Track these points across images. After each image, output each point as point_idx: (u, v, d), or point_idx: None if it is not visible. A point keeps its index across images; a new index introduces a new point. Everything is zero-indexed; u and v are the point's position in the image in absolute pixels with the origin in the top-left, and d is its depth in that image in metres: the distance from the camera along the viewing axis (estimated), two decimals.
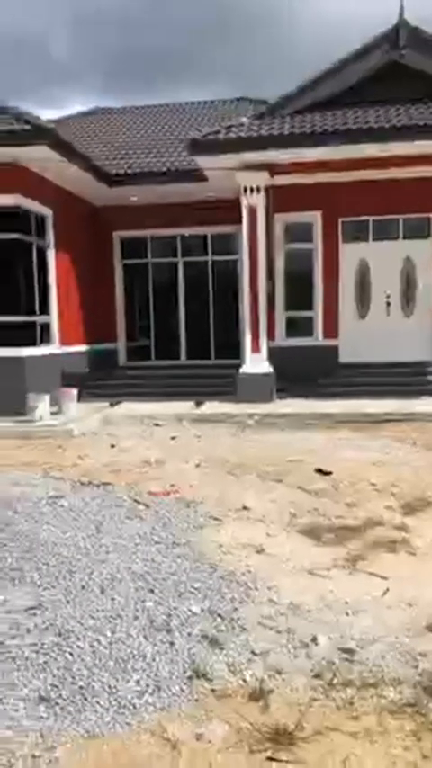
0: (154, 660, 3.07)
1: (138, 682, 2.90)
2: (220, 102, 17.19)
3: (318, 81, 11.72)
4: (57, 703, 2.76)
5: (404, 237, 12.53)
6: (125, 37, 57.58)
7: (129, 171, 12.87)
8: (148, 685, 2.87)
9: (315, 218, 12.62)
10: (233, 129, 11.11)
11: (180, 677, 2.93)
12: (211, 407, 11.00)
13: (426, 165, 11.04)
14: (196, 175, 12.01)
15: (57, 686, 2.87)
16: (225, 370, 12.30)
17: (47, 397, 10.09)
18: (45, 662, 3.06)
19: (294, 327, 12.94)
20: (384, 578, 3.94)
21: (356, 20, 52.52)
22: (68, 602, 3.70)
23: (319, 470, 6.60)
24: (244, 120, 11.55)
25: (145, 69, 59.17)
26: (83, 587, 3.89)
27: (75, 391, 10.76)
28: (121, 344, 14.61)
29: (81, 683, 2.88)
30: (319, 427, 9.57)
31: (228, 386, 11.66)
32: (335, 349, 12.62)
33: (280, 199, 11.85)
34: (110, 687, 2.86)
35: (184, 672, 2.97)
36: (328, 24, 55.56)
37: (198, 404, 11.20)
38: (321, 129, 10.69)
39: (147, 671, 2.98)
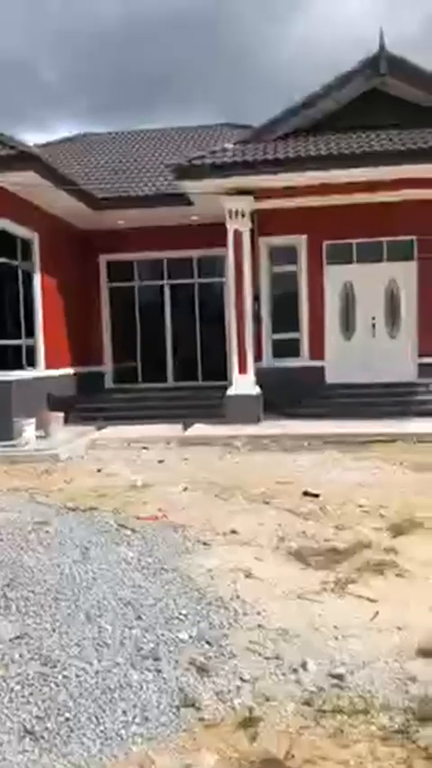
0: (141, 689, 3.01)
1: (125, 712, 2.84)
2: (203, 128, 17.43)
3: (301, 107, 11.95)
4: (42, 736, 2.69)
5: (388, 260, 12.70)
6: (111, 62, 58.32)
7: (115, 195, 12.98)
8: (135, 715, 2.82)
9: (300, 241, 12.78)
10: (218, 154, 11.27)
11: (168, 706, 2.88)
12: (199, 429, 10.98)
13: (409, 189, 11.23)
14: (182, 199, 12.13)
15: (42, 718, 2.81)
16: (212, 392, 12.32)
17: (33, 421, 10.02)
18: (30, 693, 3.00)
19: (281, 349, 13.01)
20: (373, 601, 3.92)
21: (339, 45, 53.82)
22: (54, 630, 3.64)
23: (307, 493, 6.58)
24: (228, 145, 11.72)
25: (130, 94, 60.04)
26: (69, 615, 3.83)
27: (61, 415, 10.72)
28: (107, 367, 14.60)
29: (67, 715, 2.82)
30: (306, 448, 9.57)
31: (215, 408, 11.66)
32: (321, 370, 12.70)
33: (265, 222, 12.00)
34: (96, 718, 2.80)
35: (172, 701, 2.92)
36: (311, 49, 56.81)
37: (185, 426, 11.18)
38: (305, 155, 10.88)
39: (134, 700, 2.93)
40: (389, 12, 55.18)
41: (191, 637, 3.53)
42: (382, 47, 11.53)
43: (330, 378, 12.62)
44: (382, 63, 11.50)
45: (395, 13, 54.73)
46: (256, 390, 11.66)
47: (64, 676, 3.13)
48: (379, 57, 11.53)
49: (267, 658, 3.29)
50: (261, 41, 55.15)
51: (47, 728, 2.74)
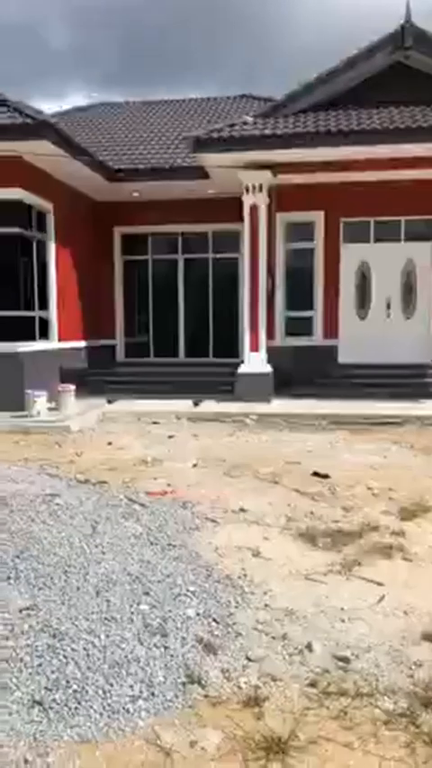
0: (148, 664, 3.05)
1: (131, 686, 2.88)
2: (223, 99, 17.17)
3: (322, 81, 11.69)
4: (50, 707, 2.74)
5: (406, 239, 12.52)
6: (125, 30, 57.28)
7: (131, 166, 12.83)
8: (141, 690, 2.86)
9: (317, 217, 12.60)
10: (236, 127, 11.08)
11: (174, 683, 2.92)
12: (209, 406, 10.99)
13: (428, 168, 11.01)
14: (198, 172, 11.97)
15: (50, 690, 2.85)
16: (224, 368, 12.29)
17: (45, 393, 10.06)
18: (39, 664, 3.04)
19: (294, 327, 12.93)
20: (380, 585, 3.94)
21: (363, 15, 52.39)
22: (63, 603, 3.68)
23: (317, 473, 6.58)
24: (247, 118, 11.52)
25: (146, 63, 58.96)
26: (78, 588, 3.87)
27: (72, 387, 10.73)
28: (119, 341, 14.59)
29: (75, 687, 2.87)
30: (317, 428, 9.56)
31: (226, 385, 11.65)
32: (334, 349, 12.62)
33: (282, 198, 11.84)
34: (103, 692, 2.84)
35: (179, 677, 2.96)
36: (332, 18, 55.42)
37: (196, 402, 11.18)
38: (325, 130, 10.66)
39: (141, 675, 2.97)
40: None
41: (198, 614, 3.56)
42: (407, 19, 11.22)
43: (343, 358, 12.54)
44: (407, 36, 11.20)
45: None
46: (268, 368, 11.63)
47: (72, 649, 3.17)
48: (404, 29, 11.23)
49: (274, 638, 3.32)
50: (278, 11, 53.81)
51: (55, 700, 2.78)
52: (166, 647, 3.20)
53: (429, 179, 11.50)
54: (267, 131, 10.87)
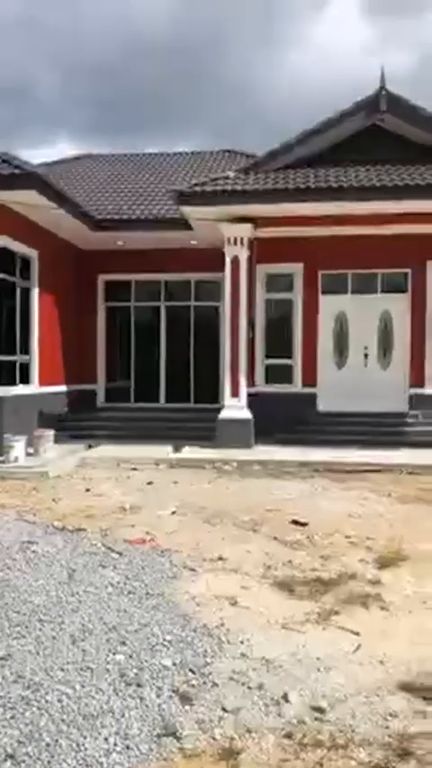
0: (123, 716, 3.02)
1: (106, 739, 2.85)
2: (207, 153, 17.72)
3: (303, 139, 12.18)
4: (23, 761, 2.69)
5: (382, 291, 12.87)
6: (111, 83, 59.18)
7: (115, 217, 13.12)
8: (116, 743, 2.82)
9: (296, 269, 12.96)
10: (219, 181, 11.44)
11: (149, 735, 2.88)
12: (190, 452, 11.01)
13: (404, 224, 11.44)
14: (182, 224, 12.28)
15: (23, 742, 2.81)
16: (204, 414, 12.36)
17: (23, 438, 10.02)
18: (12, 717, 3.00)
19: (274, 374, 13.10)
20: (356, 634, 3.95)
21: (336, 84, 55.01)
22: (38, 653, 3.64)
23: (296, 521, 6.61)
24: (230, 173, 11.92)
25: (130, 116, 60.85)
26: (53, 638, 3.84)
27: (51, 432, 10.72)
28: (100, 386, 14.63)
29: (48, 740, 2.82)
30: (296, 475, 9.61)
31: (207, 430, 11.70)
32: (313, 397, 12.79)
33: (263, 250, 12.17)
34: (77, 744, 2.80)
35: (154, 729, 2.93)
36: (309, 81, 58.03)
37: (176, 448, 11.20)
38: (305, 186, 11.06)
39: (115, 728, 2.93)
40: (383, 47, 56.64)
41: (175, 664, 3.54)
42: (382, 86, 11.83)
43: (322, 405, 12.71)
44: (382, 101, 11.78)
45: (390, 48, 56.18)
46: (248, 415, 11.72)
47: (46, 701, 3.13)
48: (379, 95, 11.82)
49: (250, 688, 3.30)
50: (258, 72, 56.31)
51: (28, 753, 2.74)
52: (141, 698, 3.17)
53: (404, 234, 11.92)
54: (249, 187, 11.25)
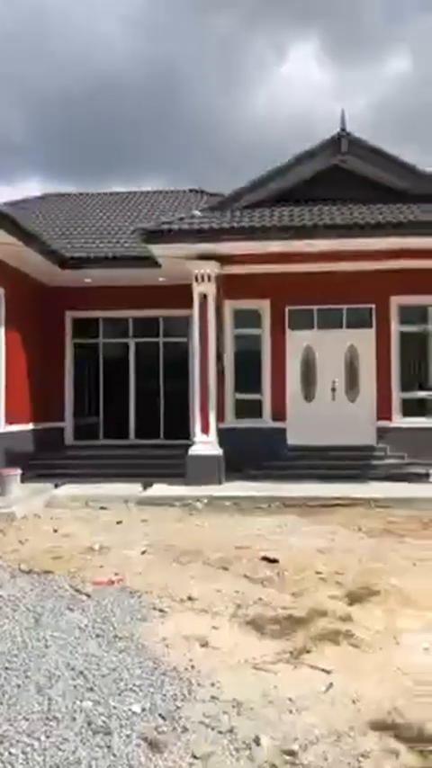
0: (90, 767, 2.93)
1: None
2: (173, 192, 18.02)
3: (268, 178, 12.50)
4: None
5: (348, 326, 13.10)
6: (78, 120, 59.93)
7: (83, 255, 13.20)
8: None
9: (263, 305, 13.13)
10: (185, 220, 11.62)
11: None
12: (159, 489, 10.91)
13: (368, 260, 11.74)
14: (149, 262, 12.40)
15: None
16: (174, 450, 12.30)
17: None
18: None
19: (244, 409, 13.14)
20: (328, 672, 3.92)
21: (298, 127, 56.81)
22: (2, 702, 3.52)
23: (266, 558, 6.58)
24: (196, 212, 12.13)
25: (96, 156, 61.59)
26: (18, 686, 3.72)
27: (18, 471, 10.53)
28: (68, 423, 14.47)
29: None
30: (267, 511, 9.59)
31: (177, 467, 11.62)
32: (283, 432, 12.84)
33: (230, 286, 12.32)
34: None
35: None
36: (274, 121, 59.80)
37: (146, 486, 11.10)
38: (270, 225, 11.31)
39: None
40: (344, 91, 58.86)
41: (144, 709, 3.46)
42: (342, 128, 12.27)
43: (292, 439, 12.76)
44: (343, 142, 12.20)
45: (353, 91, 58.42)
46: (218, 451, 11.70)
47: (10, 753, 3.03)
48: (340, 137, 12.24)
49: (221, 732, 3.24)
50: (221, 113, 57.91)
51: None
52: (109, 747, 3.09)
53: (367, 270, 12.21)
54: (215, 225, 11.45)
